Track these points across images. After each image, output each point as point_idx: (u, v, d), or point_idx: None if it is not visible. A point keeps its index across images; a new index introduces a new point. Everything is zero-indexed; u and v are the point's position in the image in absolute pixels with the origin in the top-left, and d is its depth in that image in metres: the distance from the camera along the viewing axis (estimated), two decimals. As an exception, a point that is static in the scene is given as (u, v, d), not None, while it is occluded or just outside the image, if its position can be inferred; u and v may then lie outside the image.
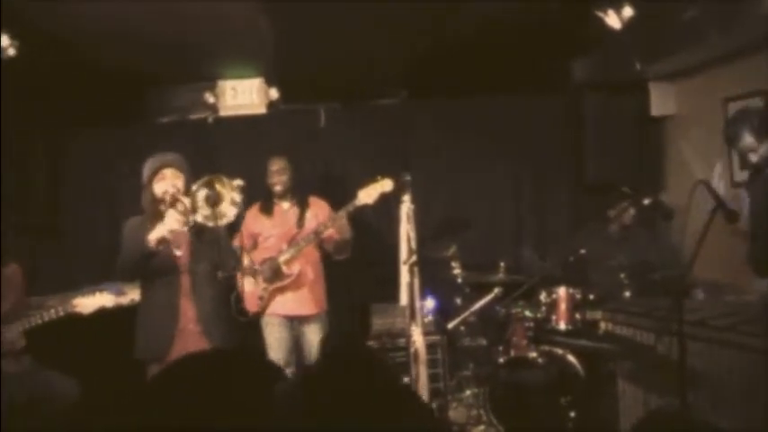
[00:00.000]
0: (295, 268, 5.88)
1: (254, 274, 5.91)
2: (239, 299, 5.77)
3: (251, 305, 5.90)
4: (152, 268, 4.72)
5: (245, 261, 5.79)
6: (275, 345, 5.97)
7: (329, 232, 5.80)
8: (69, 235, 7.29)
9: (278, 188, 6.03)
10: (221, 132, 7.28)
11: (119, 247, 4.80)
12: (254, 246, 6.10)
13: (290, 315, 6.01)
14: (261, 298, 5.93)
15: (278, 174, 6.04)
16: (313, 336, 6.02)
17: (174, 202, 4.61)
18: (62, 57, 5.89)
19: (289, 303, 5.97)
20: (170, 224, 4.57)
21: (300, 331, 6.05)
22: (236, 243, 5.78)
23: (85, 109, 7.02)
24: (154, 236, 4.57)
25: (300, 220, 6.02)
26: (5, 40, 5.15)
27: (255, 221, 6.10)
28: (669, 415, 4.23)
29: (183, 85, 7.33)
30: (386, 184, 5.53)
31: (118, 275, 4.87)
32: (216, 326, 4.81)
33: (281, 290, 5.94)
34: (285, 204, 6.11)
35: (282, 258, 5.86)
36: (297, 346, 6.08)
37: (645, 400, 4.78)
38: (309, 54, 6.37)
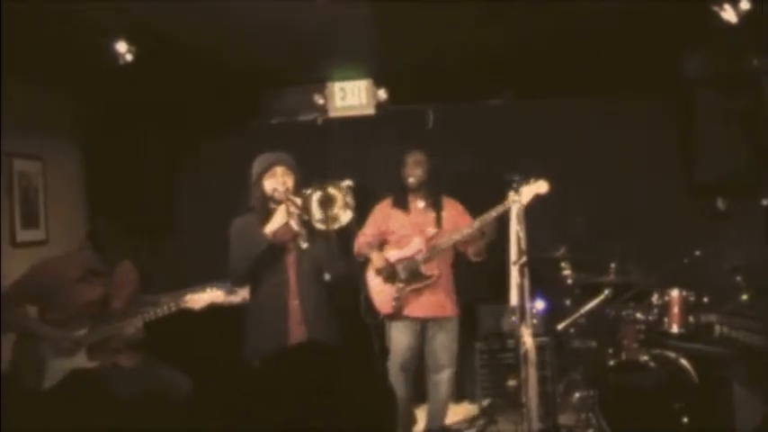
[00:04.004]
0: (435, 270, 5.67)
1: (390, 274, 5.72)
2: (368, 300, 5.78)
3: (384, 307, 5.72)
4: (263, 267, 4.77)
5: (379, 262, 5.76)
6: (401, 347, 5.72)
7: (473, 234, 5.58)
8: (182, 236, 7.46)
9: (411, 180, 5.78)
10: (330, 133, 7.36)
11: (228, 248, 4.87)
12: (382, 243, 5.88)
13: (426, 318, 5.73)
14: (396, 299, 5.66)
15: (413, 166, 5.79)
16: (446, 338, 5.74)
17: (286, 198, 4.66)
18: (176, 60, 6.04)
19: (426, 305, 5.70)
20: (285, 216, 4.63)
21: (431, 333, 5.77)
22: (360, 239, 5.83)
23: (197, 111, 7.20)
24: (270, 228, 4.64)
25: (438, 220, 5.76)
26: (123, 46, 5.28)
27: (387, 218, 5.87)
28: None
29: (292, 87, 7.40)
30: (541, 186, 5.26)
31: (232, 278, 4.90)
32: (319, 327, 4.83)
33: (418, 291, 5.72)
34: (420, 203, 5.86)
35: (422, 259, 5.65)
36: (421, 350, 5.82)
37: (762, 407, 4.66)
38: (417, 54, 6.38)
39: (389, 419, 1.75)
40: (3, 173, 6.12)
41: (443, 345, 5.77)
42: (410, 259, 5.67)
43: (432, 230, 5.72)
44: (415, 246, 5.70)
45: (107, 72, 5.54)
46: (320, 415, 1.61)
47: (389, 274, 5.70)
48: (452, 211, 5.84)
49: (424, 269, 5.65)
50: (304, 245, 4.64)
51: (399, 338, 5.75)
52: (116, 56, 5.29)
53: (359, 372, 1.76)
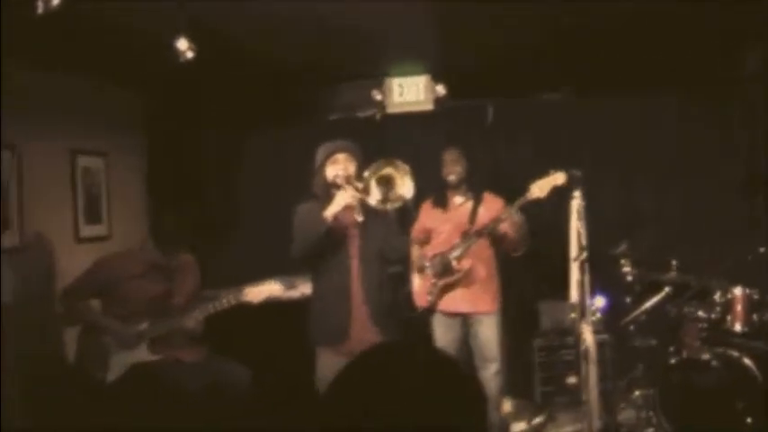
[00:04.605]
0: (465, 264, 5.66)
1: (424, 269, 5.81)
2: (409, 294, 5.88)
3: (420, 301, 5.83)
4: (325, 249, 4.80)
5: (417, 257, 5.89)
6: (442, 342, 5.78)
7: (503, 227, 5.61)
8: (243, 232, 7.53)
9: (451, 178, 5.81)
10: (389, 129, 7.38)
11: (290, 237, 4.90)
12: (428, 240, 5.95)
13: (460, 312, 5.78)
14: (430, 293, 5.75)
15: (452, 164, 5.82)
16: (486, 334, 5.74)
17: (347, 181, 4.71)
18: (236, 58, 6.09)
19: (459, 300, 5.75)
20: (345, 199, 4.66)
21: (473, 330, 5.79)
22: (411, 237, 5.90)
23: (257, 107, 7.26)
24: (330, 212, 4.66)
25: (473, 216, 5.76)
26: (184, 44, 5.32)
27: (428, 215, 5.97)
28: None
29: (350, 83, 7.43)
30: (558, 178, 5.28)
31: (294, 256, 4.89)
32: (380, 310, 4.90)
33: (451, 286, 5.73)
34: (459, 199, 5.88)
35: (453, 254, 5.66)
36: (465, 344, 5.85)
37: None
38: (476, 49, 6.36)
39: (480, 417, 1.76)
40: (68, 169, 6.26)
41: (484, 340, 5.78)
42: (443, 254, 5.73)
43: (465, 226, 5.76)
44: (448, 241, 5.78)
45: (169, 69, 5.60)
46: (415, 414, 1.62)
47: (422, 268, 5.83)
48: (491, 206, 5.83)
49: (456, 264, 5.67)
50: (360, 218, 4.68)
51: (438, 332, 5.85)
52: (177, 53, 5.33)
53: (453, 371, 1.77)
